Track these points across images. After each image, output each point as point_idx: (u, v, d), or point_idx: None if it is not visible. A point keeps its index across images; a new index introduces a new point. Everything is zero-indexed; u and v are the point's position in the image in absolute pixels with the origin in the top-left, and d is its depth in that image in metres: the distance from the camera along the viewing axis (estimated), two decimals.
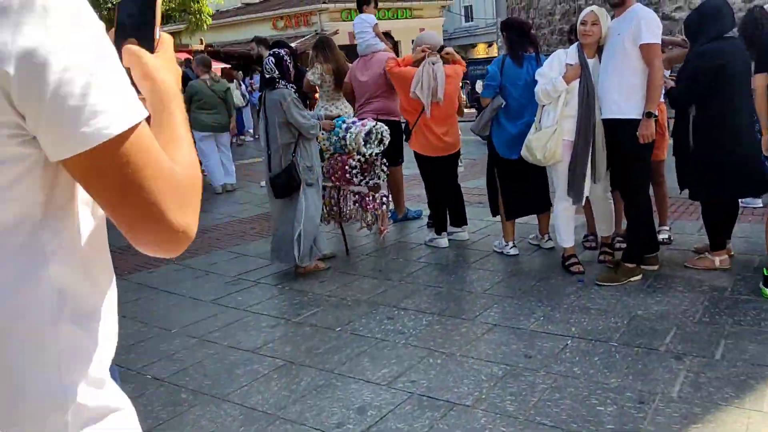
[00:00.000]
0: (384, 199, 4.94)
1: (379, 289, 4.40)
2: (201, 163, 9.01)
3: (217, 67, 19.63)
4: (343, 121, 5.05)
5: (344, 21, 24.85)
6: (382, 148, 5.01)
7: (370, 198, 5.01)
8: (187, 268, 5.23)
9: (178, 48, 19.21)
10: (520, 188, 4.77)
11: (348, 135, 4.92)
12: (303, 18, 24.87)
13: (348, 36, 25.03)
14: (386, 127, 5.02)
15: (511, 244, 4.93)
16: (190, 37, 21.18)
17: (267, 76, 4.73)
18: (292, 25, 25.06)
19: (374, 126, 4.94)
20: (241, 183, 9.10)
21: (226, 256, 5.53)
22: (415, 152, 5.31)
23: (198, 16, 19.41)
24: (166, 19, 25.04)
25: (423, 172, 5.41)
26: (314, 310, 4.07)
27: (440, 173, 5.28)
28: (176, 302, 4.39)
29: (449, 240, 5.31)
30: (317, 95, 6.45)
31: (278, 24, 25.57)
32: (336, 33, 24.18)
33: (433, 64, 4.93)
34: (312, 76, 6.06)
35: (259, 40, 8.37)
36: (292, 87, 4.76)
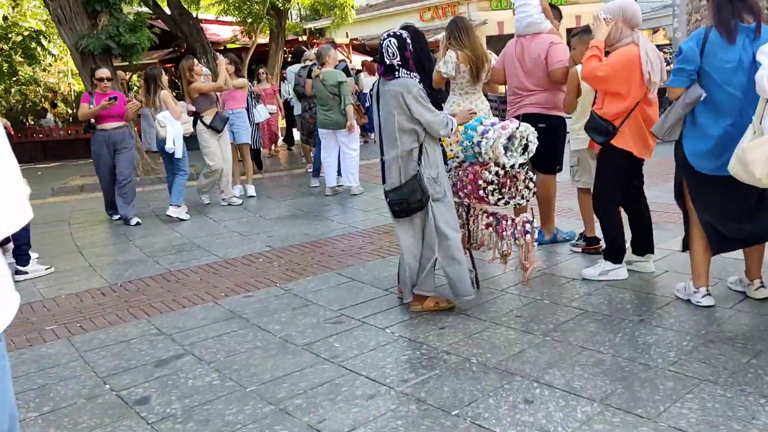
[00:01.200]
0: (528, 226, 3.79)
1: (515, 347, 3.29)
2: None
3: (358, 60, 19.25)
4: (480, 122, 3.98)
5: (494, 10, 23.51)
6: (527, 157, 3.88)
7: (508, 222, 3.89)
8: (288, 294, 4.44)
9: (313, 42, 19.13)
10: (724, 213, 3.43)
11: (484, 141, 3.84)
12: (450, 8, 23.85)
13: (497, 26, 23.73)
14: (533, 130, 3.87)
15: (703, 290, 3.60)
16: (334, 31, 20.90)
17: (387, 62, 3.77)
18: (439, 16, 24.14)
19: (517, 128, 3.82)
20: (367, 186, 8.28)
21: (334, 280, 4.67)
22: (616, 154, 4.05)
23: (343, 9, 19.04)
24: (315, 14, 25.25)
25: (617, 179, 4.15)
26: (426, 374, 3.06)
27: (632, 180, 4.16)
28: (263, 344, 3.58)
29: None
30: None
31: (425, 15, 24.81)
32: (485, 23, 22.95)
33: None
34: (444, 66, 5.04)
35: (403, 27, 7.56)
36: (416, 77, 3.78)
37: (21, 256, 5.27)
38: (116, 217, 7.38)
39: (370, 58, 19.07)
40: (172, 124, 6.90)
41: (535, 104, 4.98)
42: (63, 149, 16.49)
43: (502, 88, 5.74)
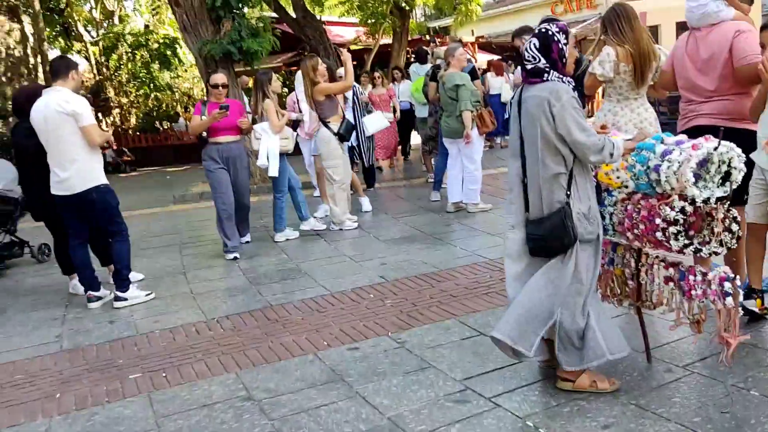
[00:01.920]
0: (727, 285, 2.75)
1: None
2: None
3: (484, 59, 18.21)
4: (659, 140, 2.98)
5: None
6: (729, 190, 2.84)
7: (698, 277, 2.86)
8: (401, 348, 3.67)
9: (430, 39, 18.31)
10: None
11: (665, 165, 2.84)
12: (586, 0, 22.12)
13: (640, 17, 21.65)
14: (738, 152, 2.82)
15: None
16: (459, 29, 20.00)
17: (529, 66, 2.91)
18: (573, 9, 22.48)
19: (715, 149, 2.79)
20: (490, 201, 7.35)
21: (457, 332, 3.83)
22: None
23: (468, 6, 18.11)
24: (439, 12, 24.47)
25: None
26: None
27: None
28: (367, 428, 2.83)
29: None
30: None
31: (557, 9, 23.24)
32: None
33: None
34: (600, 67, 4.07)
35: (522, 30, 6.53)
36: (569, 82, 2.88)
37: (120, 281, 4.90)
38: (231, 256, 6.03)
39: (497, 57, 18.03)
40: (268, 138, 6.23)
41: (714, 114, 3.86)
42: (193, 153, 16.87)
43: None
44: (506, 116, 10.85)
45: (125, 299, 4.89)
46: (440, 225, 6.76)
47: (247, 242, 6.55)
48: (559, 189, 2.85)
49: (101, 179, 4.77)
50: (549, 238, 2.82)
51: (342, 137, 6.55)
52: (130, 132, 18.51)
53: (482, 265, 5.17)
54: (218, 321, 4.42)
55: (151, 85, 18.73)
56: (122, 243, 4.92)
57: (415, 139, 12.55)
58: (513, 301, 2.98)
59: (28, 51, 17.23)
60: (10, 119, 11.78)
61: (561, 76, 2.89)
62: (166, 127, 18.62)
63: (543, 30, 2.93)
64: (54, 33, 19.66)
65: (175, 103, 19.80)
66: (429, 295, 4.56)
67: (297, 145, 7.19)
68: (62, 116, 4.55)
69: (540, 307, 2.88)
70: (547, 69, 2.88)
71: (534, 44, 2.91)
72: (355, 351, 3.69)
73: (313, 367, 3.52)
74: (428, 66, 9.38)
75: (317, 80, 6.41)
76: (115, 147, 5.25)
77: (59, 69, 4.72)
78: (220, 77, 6.08)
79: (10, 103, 7.86)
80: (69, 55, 19.78)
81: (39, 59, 16.44)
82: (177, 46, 17.91)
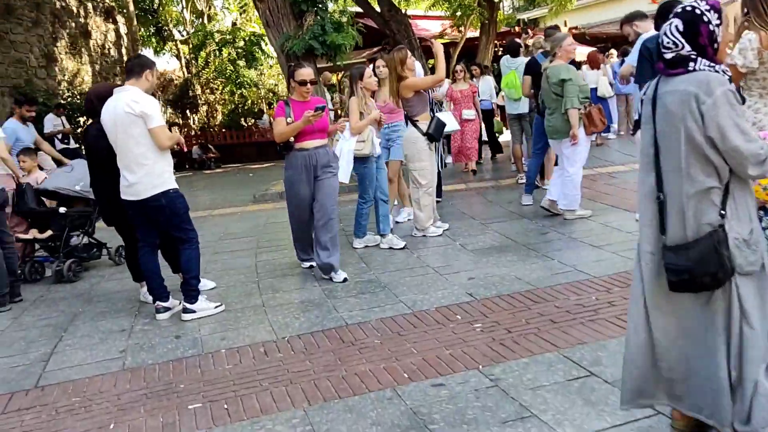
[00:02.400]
0: None
1: None
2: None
3: (579, 51, 17.15)
4: None
5: None
6: None
7: None
8: (493, 387, 3.13)
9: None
10: None
11: None
12: None
13: None
14: None
15: None
16: (551, 20, 19.00)
17: (668, 54, 2.30)
18: None
19: None
20: (589, 207, 6.63)
21: (561, 369, 3.24)
22: None
23: None
24: (529, 3, 23.42)
25: None
26: None
27: None
28: None
29: None
30: None
31: None
32: None
33: None
34: (740, 56, 3.41)
35: (633, 16, 5.81)
36: (723, 71, 2.26)
37: (189, 292, 4.61)
38: (308, 264, 5.61)
39: (592, 49, 16.94)
40: (344, 139, 5.67)
41: None
42: (276, 150, 16.86)
43: None
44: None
45: (193, 311, 4.59)
46: (534, 234, 6.12)
47: (345, 280, 5.17)
48: (710, 208, 2.22)
49: (170, 183, 4.49)
50: (696, 270, 2.20)
51: (431, 137, 5.99)
52: (216, 129, 18.74)
53: (585, 283, 4.53)
54: (288, 341, 4.02)
55: (237, 82, 18.88)
56: (191, 251, 4.63)
57: (502, 137, 11.88)
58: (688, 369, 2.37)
59: (123, 51, 17.75)
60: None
61: (712, 64, 2.26)
62: (250, 123, 18.72)
63: (689, 9, 2.30)
64: (148, 33, 20.22)
65: (259, 100, 19.90)
66: (525, 319, 3.98)
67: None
68: (131, 117, 4.29)
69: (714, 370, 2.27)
70: (693, 57, 2.26)
71: (676, 27, 2.29)
72: (441, 388, 3.18)
73: (392, 407, 3.04)
74: (521, 59, 8.69)
75: (405, 75, 5.87)
76: (185, 149, 4.95)
77: (133, 68, 4.47)
78: (307, 73, 5.07)
79: None
80: (158, 55, 20.32)
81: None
82: (262, 42, 17.94)
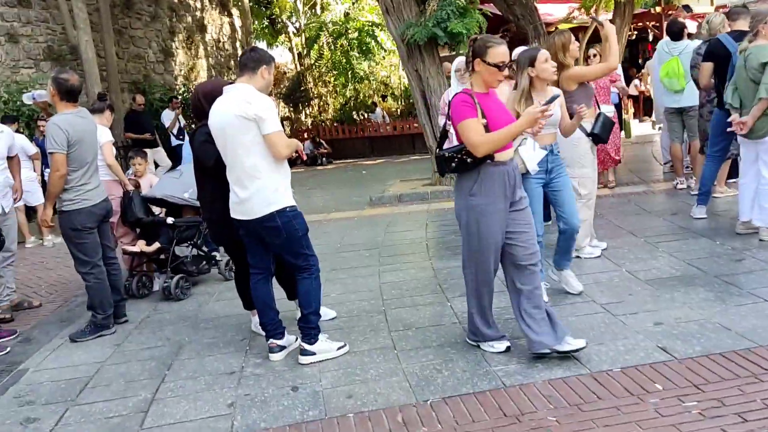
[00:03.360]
0: None
1: None
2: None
3: None
4: None
5: None
6: None
7: None
8: None
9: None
10: None
11: None
12: None
13: None
14: None
15: None
16: None
17: None
18: None
19: None
20: None
21: None
22: None
23: None
24: None
25: None
26: None
27: None
28: None
29: None
30: None
31: None
32: None
33: None
34: None
35: None
36: None
37: (308, 330, 3.84)
38: (499, 348, 3.76)
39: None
40: (533, 141, 4.21)
41: None
42: (389, 145, 16.11)
43: None
44: None
45: (313, 353, 3.82)
46: (725, 259, 4.88)
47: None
48: None
49: (287, 200, 3.73)
50: None
51: (598, 138, 4.89)
52: (327, 123, 18.27)
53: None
54: (432, 406, 3.15)
55: (350, 73, 18.30)
56: (311, 282, 3.86)
57: (638, 130, 10.39)
58: None
59: (237, 45, 17.63)
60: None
61: None
62: (363, 117, 18.09)
63: None
64: (261, 26, 20.08)
65: (372, 93, 19.25)
66: (759, 398, 2.88)
67: None
68: (242, 121, 3.56)
69: None
70: None
71: None
72: None
73: None
74: (685, 42, 7.33)
75: (567, 62, 4.79)
76: (304, 158, 4.17)
77: (247, 63, 3.74)
78: (504, 52, 3.43)
79: None
80: (271, 48, 20.11)
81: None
82: (377, 30, 17.21)
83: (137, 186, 5.85)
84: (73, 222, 4.50)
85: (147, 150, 10.83)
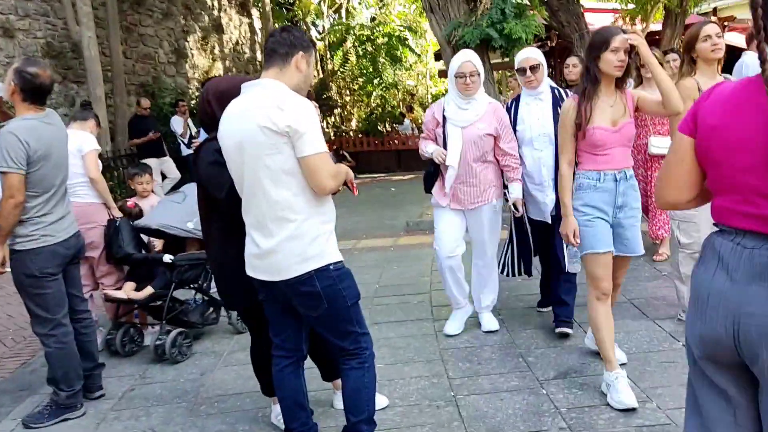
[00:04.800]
0: None
1: None
2: None
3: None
4: None
5: None
6: None
7: None
8: None
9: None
10: None
11: None
12: None
13: None
14: None
15: None
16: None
17: None
18: None
19: None
20: None
21: None
22: None
23: None
24: None
25: None
26: None
27: None
28: None
29: None
30: None
31: None
32: None
33: None
34: None
35: None
36: None
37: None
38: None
39: None
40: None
41: None
42: (417, 159, 14.84)
43: None
44: None
45: None
46: None
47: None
48: None
49: (331, 255, 2.49)
50: None
51: None
52: (351, 134, 17.04)
53: None
54: None
55: (376, 81, 17.06)
56: (362, 373, 2.59)
57: None
58: None
59: (256, 47, 16.52)
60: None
61: None
62: (390, 129, 16.84)
63: None
64: None
65: (399, 103, 18.02)
66: None
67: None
68: (270, 136, 2.33)
69: None
70: None
71: None
72: None
73: None
74: None
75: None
76: (356, 192, 2.92)
77: (275, 48, 2.51)
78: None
79: None
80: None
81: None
82: (410, 33, 15.97)
83: (138, 213, 4.58)
84: (28, 266, 3.25)
85: (153, 160, 9.78)
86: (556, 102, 3.91)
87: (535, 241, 4.15)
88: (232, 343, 4.42)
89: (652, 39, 14.88)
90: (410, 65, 18.26)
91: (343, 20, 18.66)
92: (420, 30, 17.79)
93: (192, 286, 4.41)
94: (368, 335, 2.65)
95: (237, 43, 15.88)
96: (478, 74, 3.83)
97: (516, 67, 4.08)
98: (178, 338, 4.15)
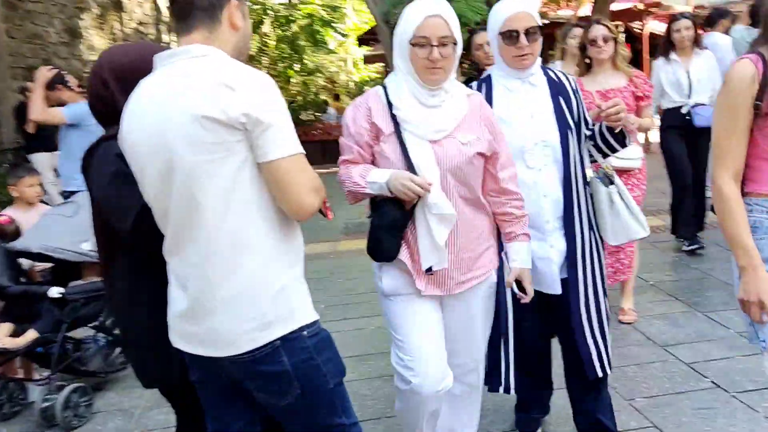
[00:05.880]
0: None
1: None
2: None
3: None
4: None
5: None
6: None
7: None
8: None
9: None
10: None
11: None
12: None
13: None
14: None
15: None
16: None
17: None
18: None
19: None
20: None
21: None
22: None
23: None
24: None
25: None
26: None
27: None
28: None
29: None
30: None
31: None
32: None
33: None
34: None
35: None
36: None
37: None
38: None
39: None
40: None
41: None
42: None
43: None
44: None
45: None
46: None
47: None
48: None
49: (303, 314, 1.65)
50: None
51: None
52: None
53: None
54: None
55: (297, 66, 16.00)
56: None
57: None
58: None
59: (161, 27, 15.10)
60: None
61: None
62: (313, 118, 15.85)
63: None
64: None
65: (320, 90, 17.05)
66: None
67: None
68: (213, 129, 1.47)
69: None
70: None
71: None
72: None
73: None
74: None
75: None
76: (330, 217, 2.06)
77: (193, 3, 1.59)
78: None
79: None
80: None
81: (173, 36, 14.16)
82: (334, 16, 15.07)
83: (14, 230, 3.51)
84: None
85: (45, 155, 8.41)
86: (556, 90, 2.42)
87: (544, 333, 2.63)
88: (147, 397, 3.44)
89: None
90: (332, 49, 17.33)
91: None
92: (340, 12, 16.87)
93: (92, 325, 3.40)
94: (358, 426, 1.81)
95: (140, 23, 14.40)
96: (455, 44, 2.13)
97: (498, 31, 2.32)
98: (72, 397, 3.15)
